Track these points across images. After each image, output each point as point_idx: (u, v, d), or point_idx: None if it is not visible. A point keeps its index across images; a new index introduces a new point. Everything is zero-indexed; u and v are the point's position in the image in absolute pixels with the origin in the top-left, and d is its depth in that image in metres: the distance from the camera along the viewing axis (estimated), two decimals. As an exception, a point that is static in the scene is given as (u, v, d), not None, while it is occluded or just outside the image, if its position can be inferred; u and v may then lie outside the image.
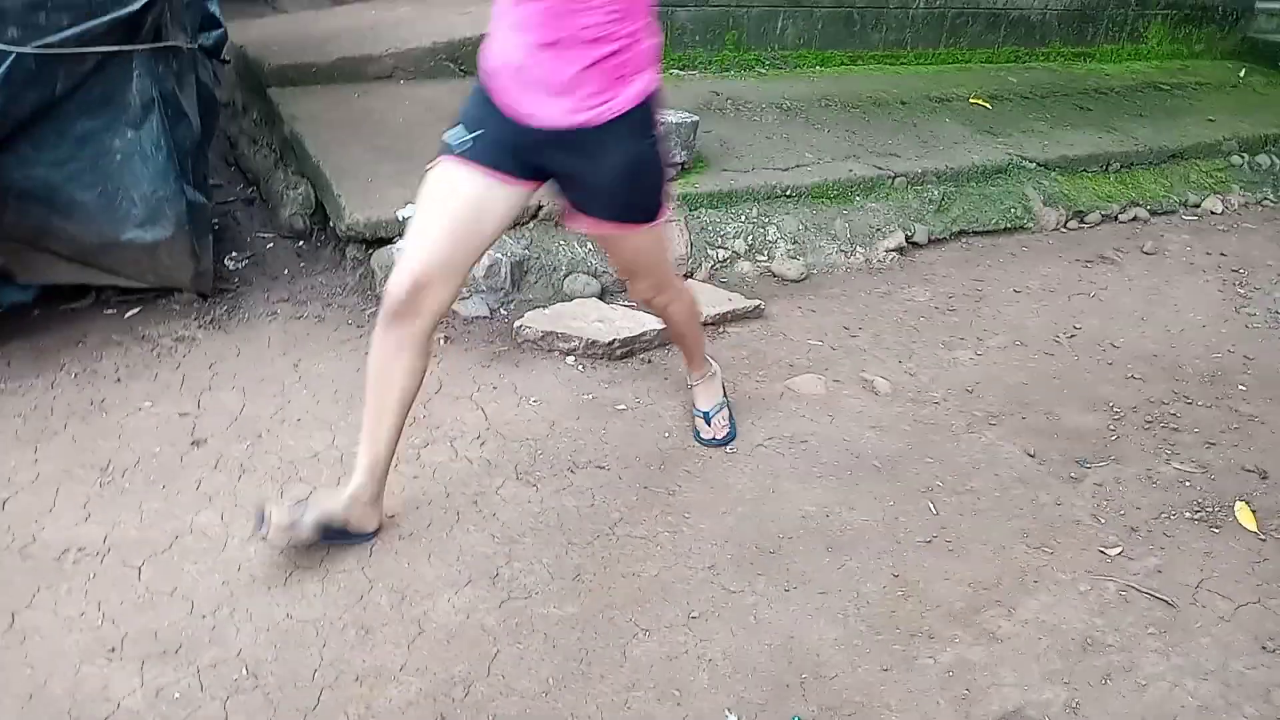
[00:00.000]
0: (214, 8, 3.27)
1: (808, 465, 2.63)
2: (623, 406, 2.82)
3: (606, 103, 1.92)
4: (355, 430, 2.55)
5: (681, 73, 5.11)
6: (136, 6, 2.53)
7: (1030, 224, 4.43)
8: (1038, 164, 4.66)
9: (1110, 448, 2.85)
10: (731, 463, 2.61)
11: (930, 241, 4.13)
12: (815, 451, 2.69)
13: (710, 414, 2.70)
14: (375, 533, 2.22)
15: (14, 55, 2.46)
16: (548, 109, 1.92)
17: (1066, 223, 4.52)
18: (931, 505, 2.52)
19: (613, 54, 1.88)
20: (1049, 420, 2.96)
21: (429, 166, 2.05)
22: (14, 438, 2.46)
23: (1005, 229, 4.35)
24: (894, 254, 3.97)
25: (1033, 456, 2.77)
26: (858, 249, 3.94)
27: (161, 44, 2.69)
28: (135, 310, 3.01)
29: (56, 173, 2.68)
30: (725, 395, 2.76)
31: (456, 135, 2.01)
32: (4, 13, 2.45)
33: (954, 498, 2.56)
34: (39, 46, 2.48)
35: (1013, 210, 4.41)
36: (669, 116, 3.79)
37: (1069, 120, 5.25)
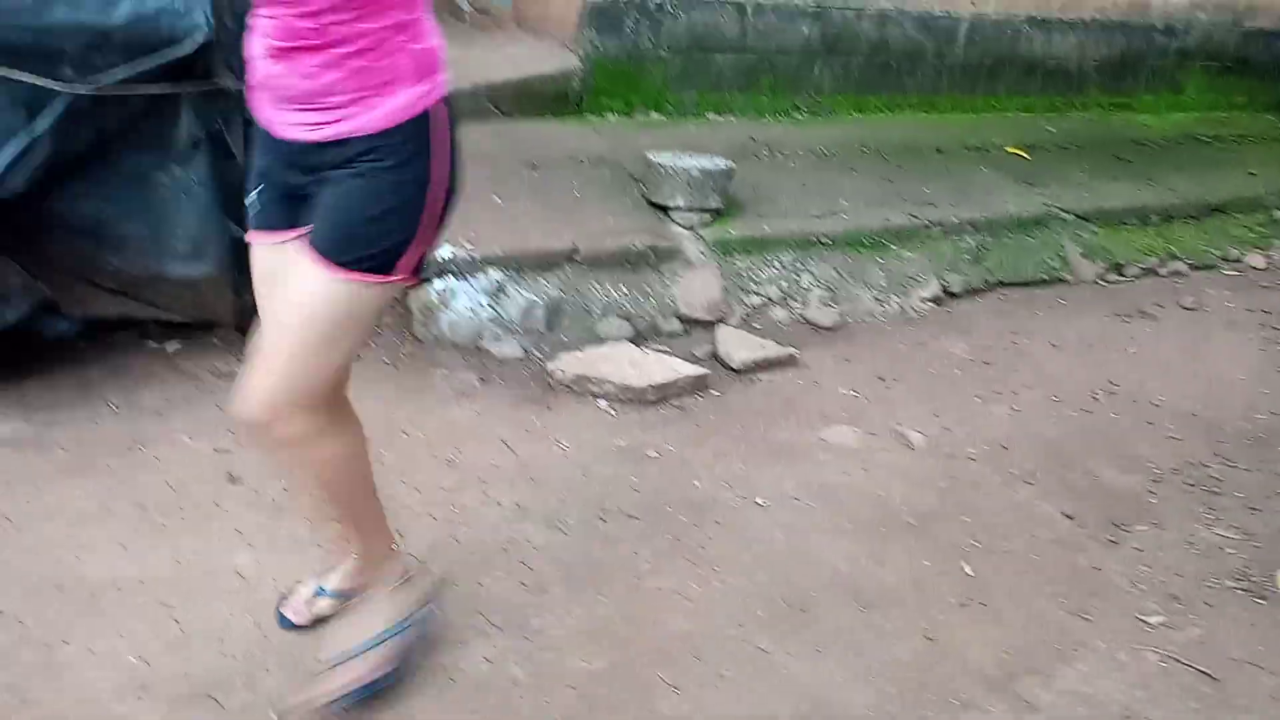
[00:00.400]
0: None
1: (839, 519, 2.60)
2: (654, 454, 2.81)
3: (343, 119, 1.56)
4: (389, 471, 2.57)
5: (718, 118, 5.14)
6: (188, 49, 2.59)
7: (1067, 276, 4.40)
8: (1075, 215, 4.64)
9: (1150, 510, 2.80)
10: (763, 515, 2.59)
11: (966, 292, 4.11)
12: (847, 505, 2.66)
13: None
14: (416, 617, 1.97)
15: (70, 95, 2.52)
16: (290, 123, 1.60)
17: (1104, 276, 4.49)
18: (966, 565, 2.48)
19: (350, 57, 1.52)
20: (1086, 479, 2.92)
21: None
22: (56, 469, 2.49)
23: (1042, 281, 4.32)
24: (929, 304, 3.96)
25: (1070, 517, 2.73)
26: (893, 298, 3.93)
27: (210, 85, 2.74)
28: (177, 344, 3.05)
29: (105, 208, 2.73)
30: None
31: (249, 198, 1.77)
32: (62, 54, 2.51)
33: (989, 558, 2.52)
34: (94, 87, 2.54)
35: (1050, 262, 4.39)
36: (703, 162, 3.82)
37: (1107, 171, 5.23)
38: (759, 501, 2.64)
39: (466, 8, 5.79)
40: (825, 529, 2.56)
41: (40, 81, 2.49)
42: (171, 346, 3.04)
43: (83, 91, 2.53)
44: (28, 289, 2.72)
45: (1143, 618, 2.37)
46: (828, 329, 3.70)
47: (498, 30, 5.43)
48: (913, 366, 3.49)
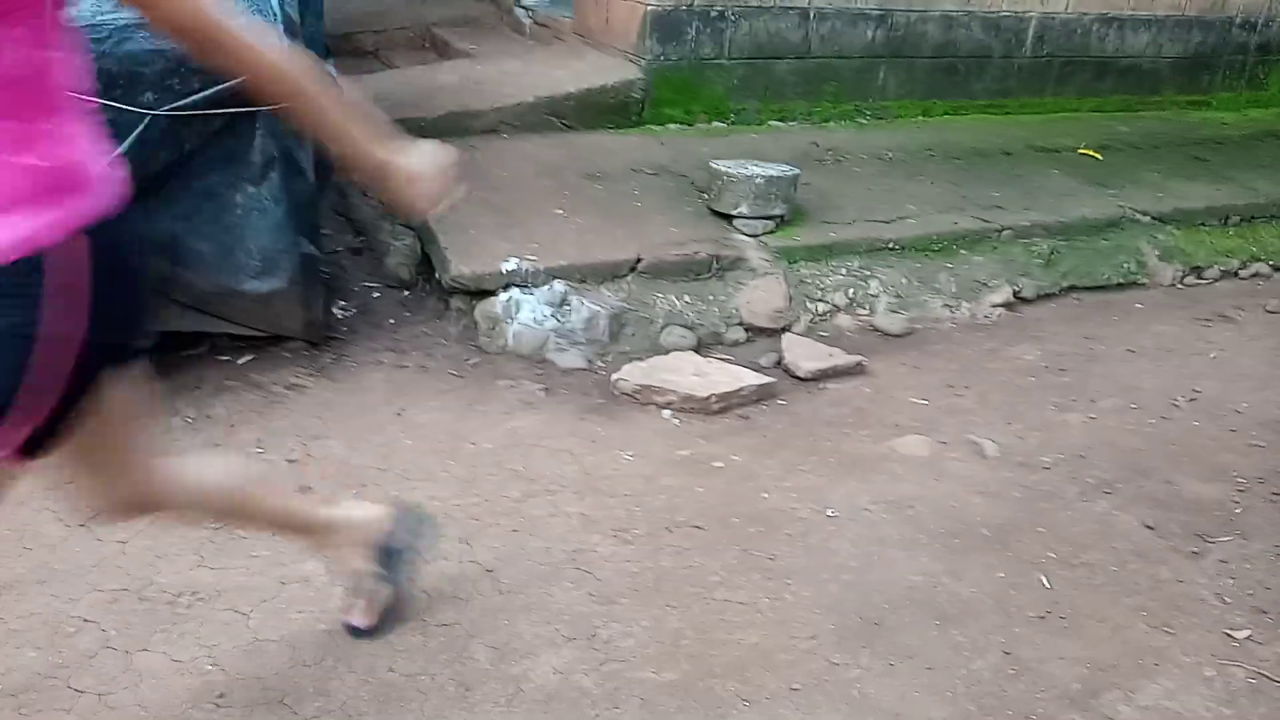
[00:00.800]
0: (331, 68, 3.40)
1: (913, 532, 2.55)
2: (720, 464, 2.79)
3: None
4: (456, 482, 2.60)
5: (780, 125, 5.10)
6: (261, 70, 2.65)
7: (1144, 280, 4.27)
8: (1151, 217, 4.50)
9: (1235, 521, 2.70)
10: (834, 527, 2.55)
11: (1039, 297, 4.01)
12: (920, 517, 2.61)
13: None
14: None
15: (149, 117, 2.59)
16: None
17: (1183, 279, 4.34)
18: (1044, 578, 2.41)
19: None
20: (1167, 489, 2.82)
21: None
22: (134, 480, 2.55)
23: (1118, 285, 4.20)
24: (1001, 309, 3.87)
25: (1151, 528, 2.64)
26: (963, 304, 3.85)
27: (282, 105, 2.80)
28: (248, 358, 3.11)
29: (181, 225, 2.81)
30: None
31: None
32: (142, 78, 2.59)
33: (1067, 571, 2.45)
34: (172, 108, 2.62)
35: (1125, 265, 4.26)
36: (767, 169, 3.79)
37: (1184, 171, 5.07)
38: (830, 513, 2.60)
39: (527, 21, 5.85)
40: (898, 541, 2.51)
41: (121, 106, 2.57)
42: (243, 359, 3.11)
43: (161, 113, 2.60)
44: (109, 305, 2.80)
45: (1229, 632, 2.28)
46: (896, 336, 3.63)
47: (558, 42, 5.47)
48: (985, 374, 3.41)
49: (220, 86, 2.62)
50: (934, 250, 3.99)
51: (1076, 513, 2.68)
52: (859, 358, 3.35)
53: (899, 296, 3.78)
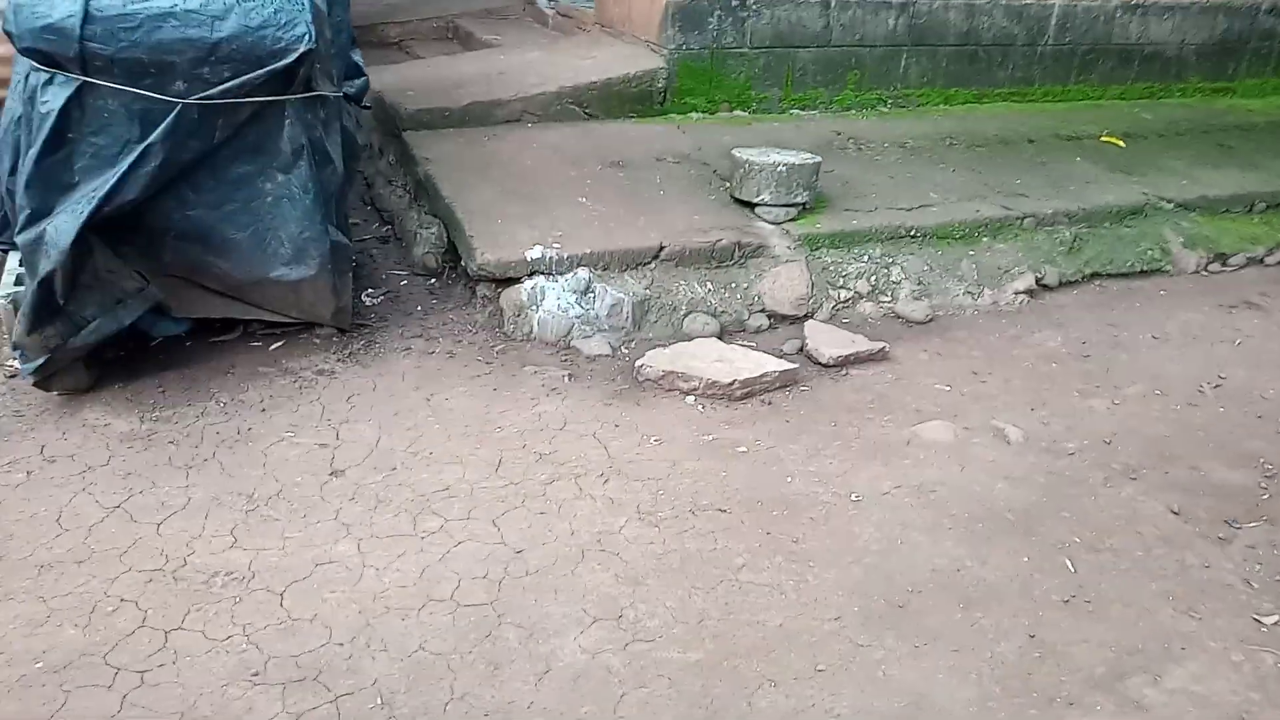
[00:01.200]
0: (357, 57, 3.43)
1: (936, 516, 2.56)
2: (743, 449, 2.81)
3: None
4: (484, 465, 2.63)
5: (802, 113, 5.10)
6: (291, 59, 2.67)
7: (1168, 267, 4.24)
8: (1176, 204, 4.47)
9: (1262, 507, 2.69)
10: (857, 511, 2.56)
11: (1061, 284, 3.99)
12: (944, 502, 2.62)
13: None
14: None
15: (180, 106, 2.63)
16: None
17: (1207, 266, 4.31)
18: (1069, 563, 2.42)
19: None
20: (1194, 476, 2.82)
21: None
22: (168, 463, 2.60)
23: (1141, 272, 4.18)
24: (1023, 296, 3.86)
25: (1177, 514, 2.63)
26: (985, 291, 3.84)
27: (311, 93, 2.83)
28: (279, 343, 3.15)
29: (212, 214, 2.84)
30: None
31: None
32: (173, 68, 2.62)
33: (1093, 555, 2.45)
34: (202, 98, 2.65)
35: (1149, 252, 4.24)
36: (789, 157, 3.80)
37: (1209, 158, 5.02)
38: (854, 497, 2.61)
39: (550, 11, 5.87)
40: (922, 525, 2.52)
41: (153, 95, 2.61)
42: (273, 345, 3.15)
43: (191, 102, 2.64)
44: (141, 293, 2.85)
45: (1258, 618, 2.28)
46: (919, 323, 3.63)
47: (581, 33, 5.48)
48: (1008, 361, 3.41)
49: (250, 75, 2.66)
50: (956, 238, 3.98)
51: (1102, 498, 2.68)
52: (882, 344, 3.36)
53: (921, 284, 3.78)
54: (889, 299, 3.72)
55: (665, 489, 2.60)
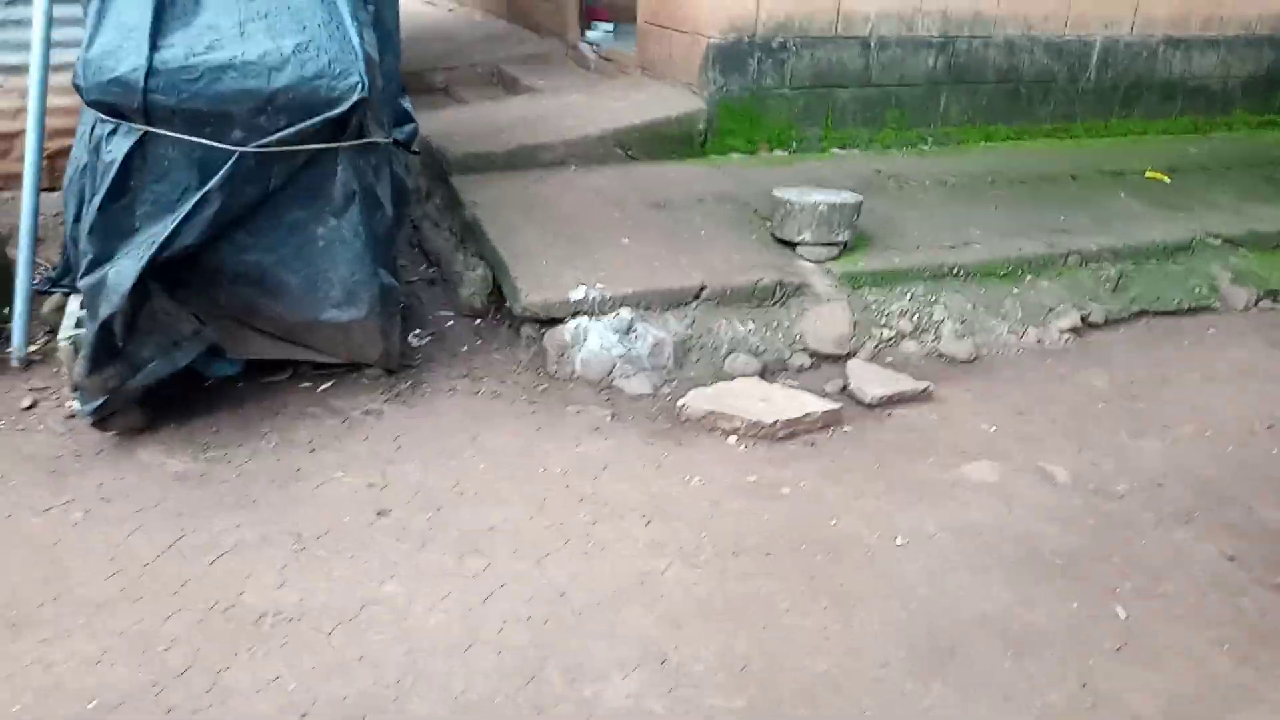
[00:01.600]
0: (407, 104, 3.52)
1: (983, 559, 2.53)
2: (786, 490, 2.80)
3: None
4: (528, 505, 2.65)
5: (842, 152, 5.13)
6: (344, 108, 2.75)
7: (1217, 304, 4.18)
8: (1224, 240, 4.42)
9: (1321, 552, 2.63)
10: (902, 553, 2.54)
11: (1107, 322, 3.96)
12: (991, 544, 2.59)
13: None
14: None
15: (238, 154, 2.71)
16: None
17: (1257, 302, 4.25)
18: (1120, 609, 2.37)
19: None
20: (1248, 519, 2.76)
21: None
22: (220, 503, 2.65)
23: (1189, 309, 4.12)
24: (1069, 335, 3.82)
25: (1231, 559, 2.58)
26: (1030, 329, 3.81)
27: (363, 140, 2.91)
28: (328, 384, 3.21)
29: (267, 258, 2.92)
30: None
31: None
32: (232, 117, 2.71)
33: (1144, 601, 2.41)
34: (259, 146, 2.73)
35: (1197, 289, 4.18)
36: (830, 196, 3.82)
37: (1257, 193, 4.96)
38: (899, 540, 2.59)
39: (592, 56, 5.97)
40: (969, 568, 2.49)
41: (212, 143, 2.69)
42: (323, 386, 3.21)
43: (249, 150, 2.72)
44: (198, 334, 2.92)
45: (1320, 668, 2.22)
46: (963, 362, 3.61)
47: (622, 76, 5.57)
48: (1054, 400, 3.37)
49: (305, 123, 2.74)
50: (1000, 275, 3.96)
51: (1153, 541, 2.64)
52: (926, 384, 3.34)
53: (964, 322, 3.76)
54: (932, 338, 3.71)
55: (708, 530, 2.60)
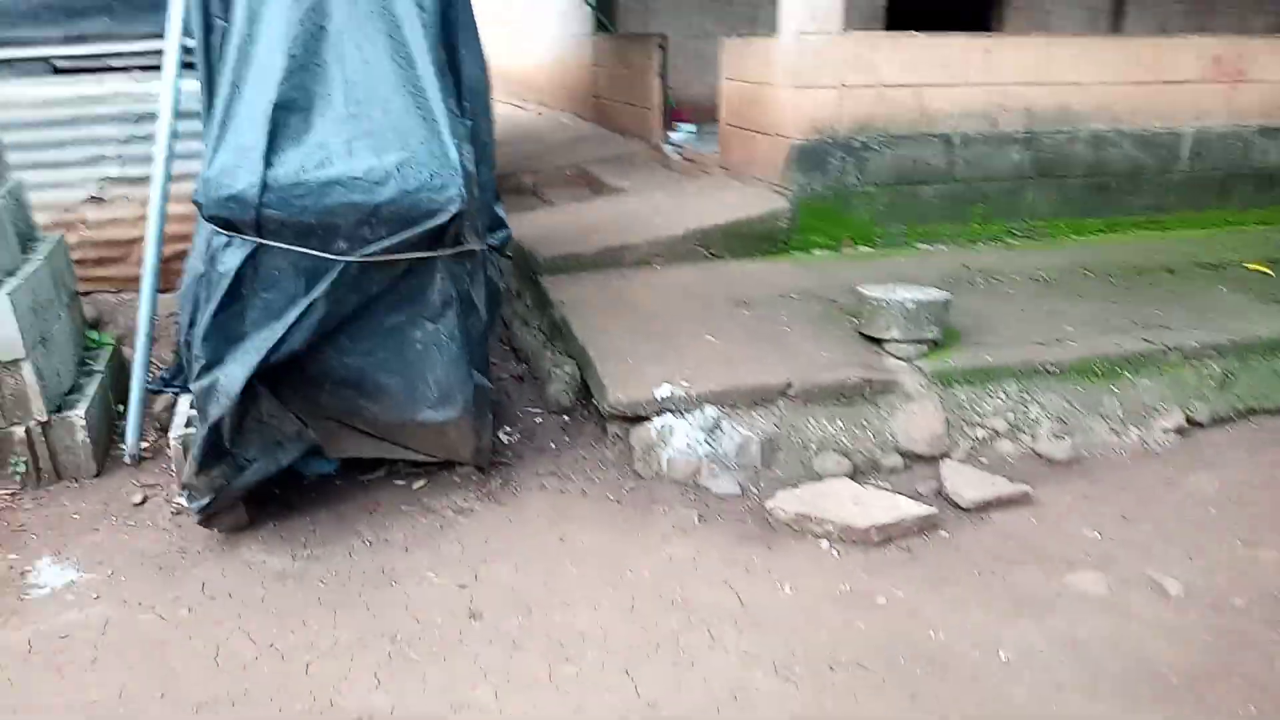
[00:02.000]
0: (500, 210, 3.64)
1: (1093, 678, 2.41)
2: (882, 599, 2.73)
3: None
4: (617, 610, 2.63)
5: (927, 248, 5.11)
6: (443, 220, 2.86)
7: (1333, 402, 4.00)
8: (1336, 335, 4.24)
9: None
10: (1007, 670, 2.44)
11: (1213, 421, 3.81)
12: (1101, 662, 2.47)
13: None
14: None
15: (343, 264, 2.83)
16: None
17: (1378, 400, 4.05)
18: (1247, 735, 2.23)
19: None
20: (1384, 637, 2.58)
21: None
22: (317, 602, 2.70)
23: (1303, 408, 3.95)
24: (1173, 434, 3.69)
25: (1368, 681, 2.41)
26: (1131, 429, 3.69)
27: (460, 249, 3.01)
28: (421, 482, 3.28)
29: (367, 361, 3.02)
30: None
31: None
32: (337, 229, 2.83)
33: (1273, 727, 2.26)
34: (363, 256, 2.85)
35: (1310, 387, 4.01)
36: (916, 293, 3.79)
37: (1369, 284, 4.77)
38: (1003, 656, 2.49)
39: (675, 156, 6.12)
40: (1078, 688, 2.38)
41: (319, 254, 2.82)
42: (417, 484, 3.27)
43: (353, 260, 2.84)
44: (300, 435, 3.02)
45: None
46: (1062, 463, 3.51)
47: (705, 176, 5.69)
48: (1161, 504, 3.24)
49: (406, 234, 2.85)
50: (1097, 373, 3.86)
51: (1278, 662, 2.48)
52: (1024, 487, 3.25)
53: (1062, 421, 3.66)
54: (1028, 437, 3.62)
55: (802, 641, 2.54)
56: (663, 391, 3.46)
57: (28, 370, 3.16)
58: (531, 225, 4.90)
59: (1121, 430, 3.69)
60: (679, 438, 3.41)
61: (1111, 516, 3.16)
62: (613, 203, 5.30)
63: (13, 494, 3.19)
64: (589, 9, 8.19)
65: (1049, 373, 3.82)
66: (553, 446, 3.58)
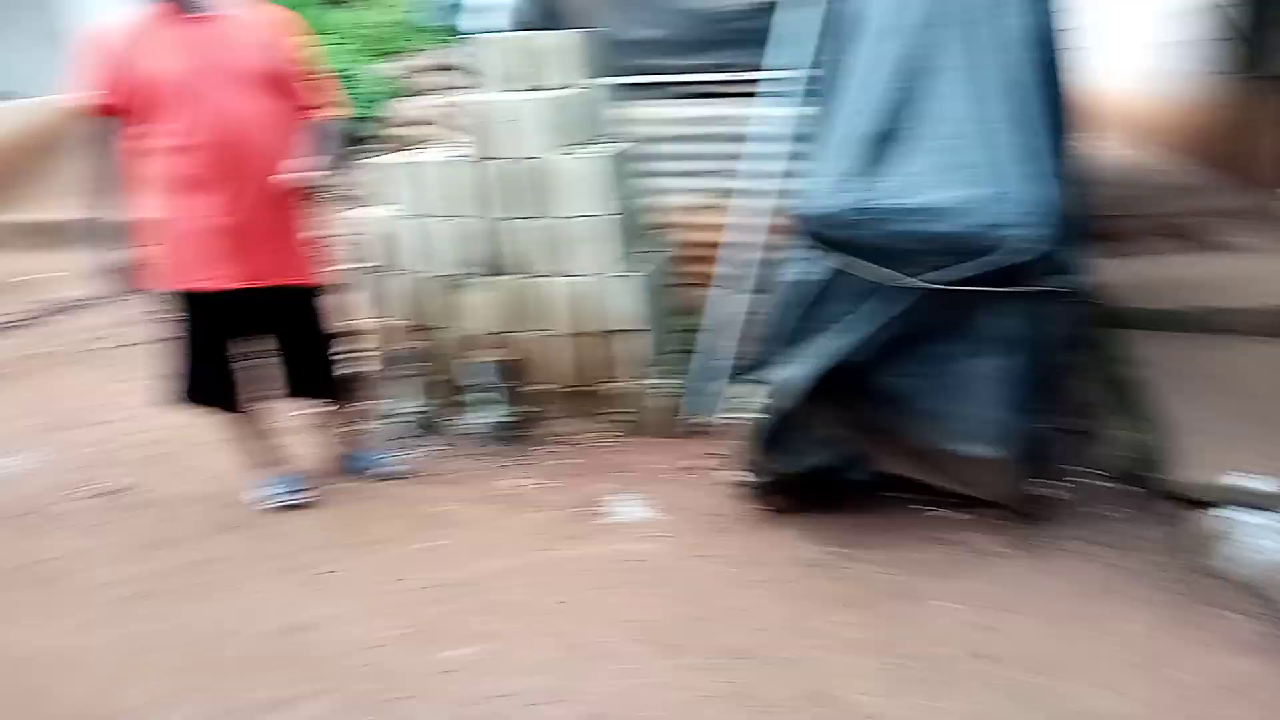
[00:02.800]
0: (1083, 253, 3.48)
1: None
2: None
3: None
4: (1144, 708, 2.43)
5: None
6: (1026, 258, 2.83)
7: None
8: None
9: None
10: None
11: None
12: None
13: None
14: None
15: (919, 289, 2.95)
16: None
17: None
18: None
19: None
20: None
21: None
22: (836, 597, 2.90)
23: None
24: None
25: None
26: None
27: (1035, 288, 2.95)
28: (955, 514, 3.30)
29: (915, 384, 3.11)
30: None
31: None
32: (913, 255, 2.94)
33: None
34: (940, 283, 2.94)
35: None
36: None
37: None
38: None
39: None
40: None
41: (899, 277, 2.97)
42: (949, 514, 3.30)
43: (929, 288, 2.95)
44: (844, 440, 3.24)
45: None
46: None
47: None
48: None
49: (985, 268, 2.87)
50: None
51: None
52: None
53: None
54: None
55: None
56: (1235, 479, 3.07)
57: (644, 341, 3.84)
58: (1115, 274, 4.58)
59: None
60: (1247, 535, 3.00)
61: None
62: (1216, 260, 4.74)
63: (619, 438, 3.94)
64: (1222, 45, 7.29)
65: None
66: (1093, 511, 3.36)
